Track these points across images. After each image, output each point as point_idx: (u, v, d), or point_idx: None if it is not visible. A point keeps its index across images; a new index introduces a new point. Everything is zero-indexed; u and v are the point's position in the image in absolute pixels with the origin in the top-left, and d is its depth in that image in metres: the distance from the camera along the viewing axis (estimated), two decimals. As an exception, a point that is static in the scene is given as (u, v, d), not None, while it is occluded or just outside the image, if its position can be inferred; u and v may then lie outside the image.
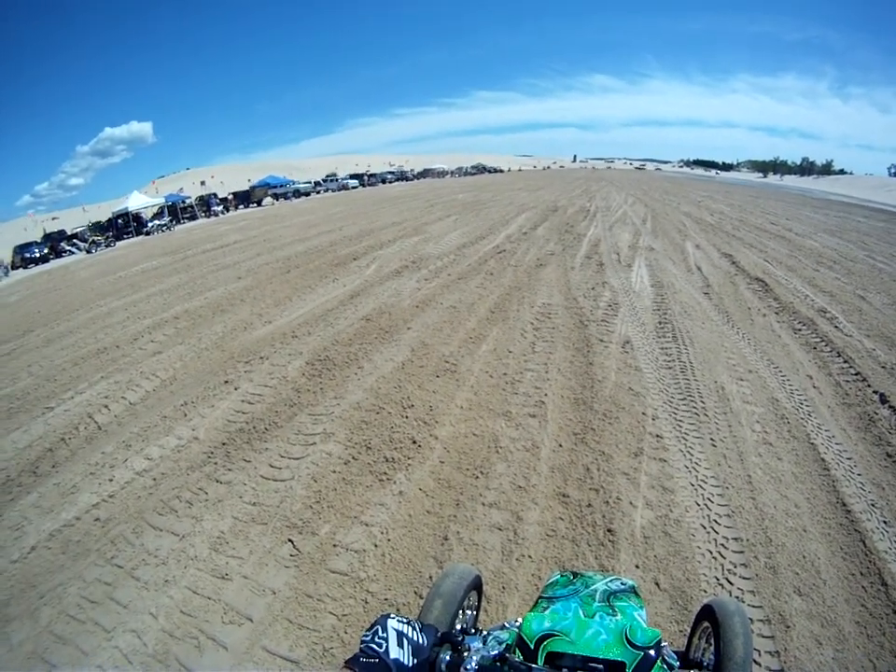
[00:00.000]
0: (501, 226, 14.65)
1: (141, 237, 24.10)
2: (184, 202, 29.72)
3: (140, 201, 26.97)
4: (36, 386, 5.92)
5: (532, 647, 0.95)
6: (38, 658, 2.39)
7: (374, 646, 0.88)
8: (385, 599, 2.52)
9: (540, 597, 1.30)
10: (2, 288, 16.16)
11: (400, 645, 0.89)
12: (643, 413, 4.14)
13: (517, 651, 0.97)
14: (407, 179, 52.35)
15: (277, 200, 34.89)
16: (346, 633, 2.36)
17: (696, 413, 4.14)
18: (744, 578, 2.56)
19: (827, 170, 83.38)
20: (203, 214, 29.66)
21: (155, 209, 27.74)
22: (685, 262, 9.76)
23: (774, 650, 2.20)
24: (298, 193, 37.53)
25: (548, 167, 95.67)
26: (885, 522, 2.95)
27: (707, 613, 1.37)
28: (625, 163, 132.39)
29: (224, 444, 4.10)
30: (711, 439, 3.78)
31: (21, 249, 21.48)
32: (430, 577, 2.61)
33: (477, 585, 1.54)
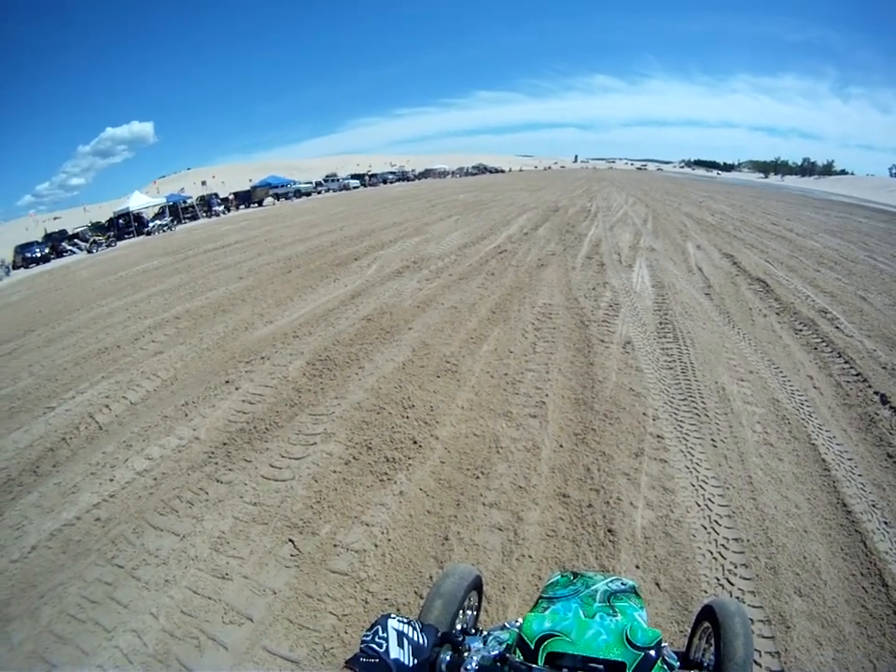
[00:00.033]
0: (502, 226, 14.66)
1: (142, 237, 24.12)
2: (185, 202, 29.75)
3: (141, 201, 27.01)
4: (37, 386, 5.93)
5: (532, 647, 0.95)
6: (38, 658, 2.39)
7: (375, 646, 0.88)
8: (386, 599, 2.52)
9: (541, 598, 1.30)
10: (3, 288, 16.19)
11: (401, 645, 0.89)
12: (644, 414, 4.14)
13: (517, 651, 0.97)
14: (408, 179, 52.35)
15: (278, 200, 34.90)
16: (347, 633, 2.36)
17: (697, 414, 4.14)
18: (744, 578, 2.56)
19: (828, 170, 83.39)
20: (204, 214, 29.68)
21: (156, 209, 27.76)
22: (686, 263, 9.76)
23: (774, 650, 2.20)
24: (299, 193, 37.54)
25: (549, 167, 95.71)
26: (885, 522, 2.94)
27: (708, 614, 1.37)
28: (626, 164, 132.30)
29: (225, 444, 4.11)
30: (712, 439, 3.78)
31: (23, 249, 21.50)
32: (431, 577, 2.61)
33: (477, 585, 1.54)
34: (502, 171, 70.30)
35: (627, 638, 0.94)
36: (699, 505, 3.09)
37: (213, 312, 8.08)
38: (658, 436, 3.84)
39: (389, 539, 2.92)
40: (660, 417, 4.10)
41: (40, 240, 23.45)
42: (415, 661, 0.89)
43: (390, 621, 0.92)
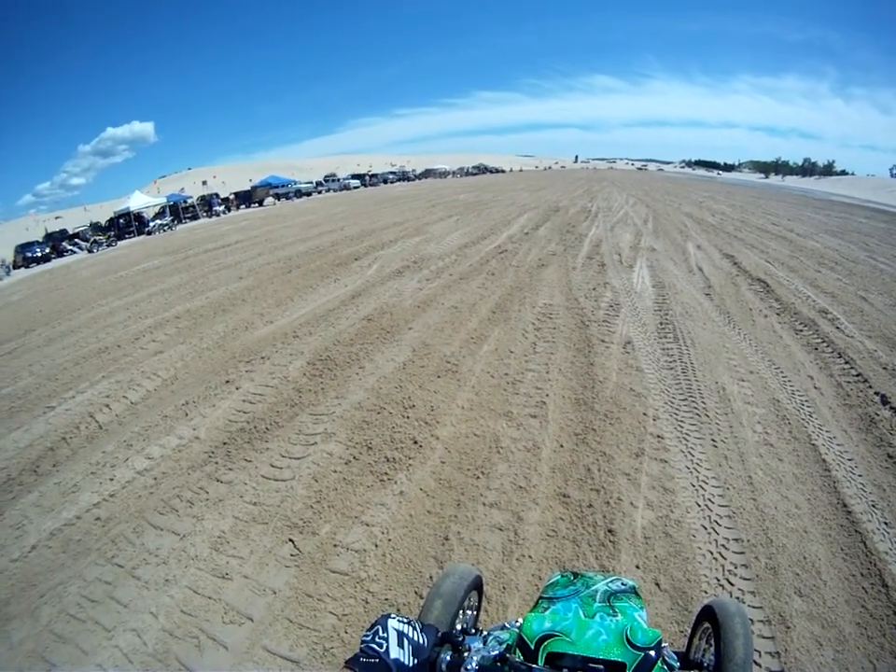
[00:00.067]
0: (503, 226, 14.65)
1: (143, 237, 24.13)
2: (185, 201, 29.78)
3: (142, 200, 27.03)
4: (38, 385, 5.93)
5: (532, 647, 0.95)
6: (38, 657, 2.40)
7: (375, 646, 0.87)
8: (386, 599, 2.52)
9: (541, 598, 1.30)
10: (4, 288, 16.19)
11: (401, 645, 0.89)
12: (644, 414, 4.13)
13: (517, 651, 0.97)
14: (409, 179, 52.36)
15: (279, 200, 34.90)
16: (347, 633, 2.36)
17: (697, 414, 4.14)
18: (744, 579, 2.56)
19: (829, 171, 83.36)
20: (204, 214, 29.68)
21: (157, 209, 27.78)
22: (686, 263, 9.76)
23: (774, 650, 2.20)
24: (299, 193, 37.55)
25: (549, 168, 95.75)
26: (886, 523, 2.94)
27: (708, 614, 1.36)
28: (627, 164, 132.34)
29: (225, 444, 4.11)
30: (712, 439, 3.78)
31: (23, 249, 21.50)
32: (431, 577, 2.61)
33: (477, 585, 1.54)
34: (503, 171, 70.31)
35: (627, 639, 0.94)
36: (699, 505, 3.09)
37: (213, 311, 8.08)
38: (658, 436, 3.83)
39: (389, 539, 2.92)
40: (660, 417, 4.10)
41: (41, 240, 23.47)
42: (415, 661, 0.89)
43: (390, 621, 0.92)
